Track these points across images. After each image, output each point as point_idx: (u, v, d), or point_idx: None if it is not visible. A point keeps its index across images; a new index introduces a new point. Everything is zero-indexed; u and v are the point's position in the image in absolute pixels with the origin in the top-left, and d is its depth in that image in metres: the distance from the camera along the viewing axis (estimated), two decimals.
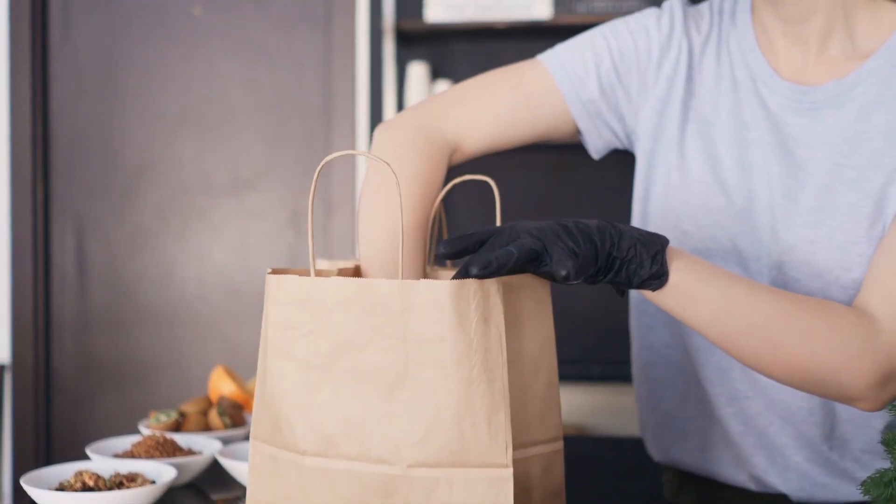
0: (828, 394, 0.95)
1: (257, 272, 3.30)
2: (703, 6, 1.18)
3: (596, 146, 1.22)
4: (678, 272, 0.88)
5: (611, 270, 0.85)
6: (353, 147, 3.21)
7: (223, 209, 3.32)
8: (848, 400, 0.95)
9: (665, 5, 1.18)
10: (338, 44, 3.23)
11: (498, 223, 0.90)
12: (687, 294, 0.89)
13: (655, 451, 1.25)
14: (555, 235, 0.82)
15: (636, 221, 1.21)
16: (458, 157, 1.15)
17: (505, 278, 0.81)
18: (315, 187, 0.82)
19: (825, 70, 1.08)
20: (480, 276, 0.77)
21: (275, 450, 0.85)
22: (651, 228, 1.17)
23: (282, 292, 0.83)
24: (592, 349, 3.12)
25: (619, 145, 1.22)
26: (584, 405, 2.99)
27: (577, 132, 1.20)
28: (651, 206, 1.17)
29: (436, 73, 3.25)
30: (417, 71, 3.15)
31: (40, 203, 3.33)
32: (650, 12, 1.17)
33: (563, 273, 0.79)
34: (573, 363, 3.06)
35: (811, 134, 1.06)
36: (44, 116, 3.35)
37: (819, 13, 1.06)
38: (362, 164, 3.25)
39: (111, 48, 3.35)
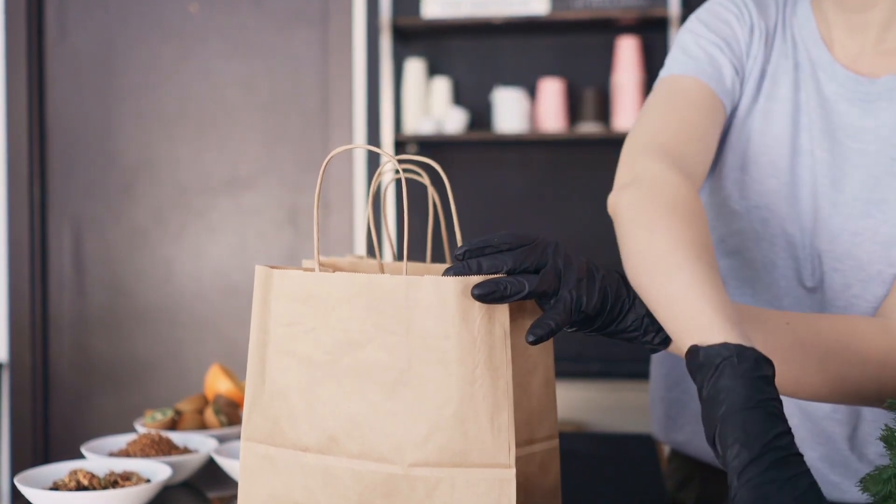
0: (851, 403, 0.95)
1: (254, 271, 3.30)
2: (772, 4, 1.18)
3: None
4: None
5: (606, 329, 0.83)
6: (350, 144, 3.21)
7: (221, 208, 3.32)
8: (870, 405, 0.96)
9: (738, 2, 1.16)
10: (335, 41, 3.23)
11: (452, 207, 0.88)
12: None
13: (663, 434, 1.24)
14: (575, 281, 0.79)
15: None
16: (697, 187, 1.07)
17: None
18: (321, 182, 0.82)
19: (882, 62, 1.08)
20: (479, 300, 0.75)
21: (272, 449, 0.84)
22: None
23: (285, 288, 0.83)
24: (591, 346, 3.11)
25: None
26: (583, 402, 2.99)
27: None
28: (707, 188, 1.16)
29: (433, 70, 3.24)
30: (415, 67, 3.14)
31: (37, 203, 3.33)
32: (726, 4, 1.14)
33: (530, 339, 0.77)
34: (572, 360, 3.06)
35: (863, 127, 1.06)
36: (40, 116, 3.35)
37: (881, 3, 1.06)
38: (359, 163, 3.25)
39: (107, 47, 3.34)
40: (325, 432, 0.81)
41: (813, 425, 1.10)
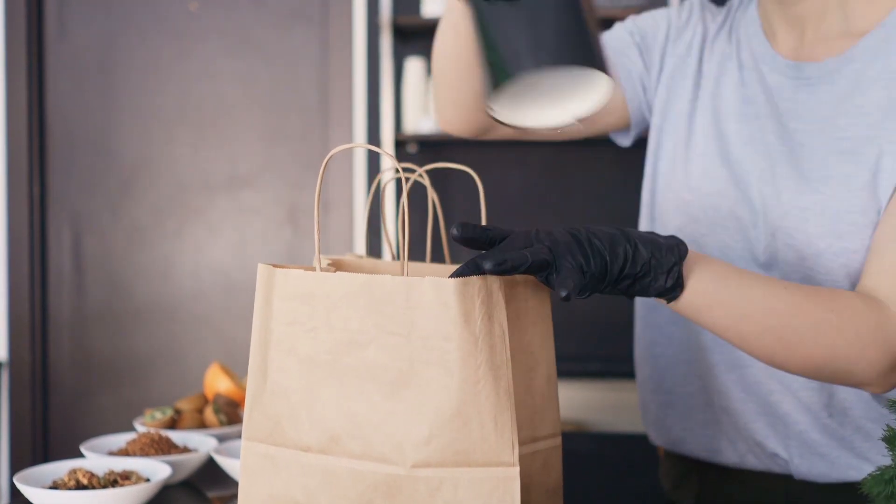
0: (839, 381, 0.98)
1: (254, 269, 3.29)
2: (724, 8, 1.25)
3: (637, 120, 1.27)
4: (694, 281, 0.88)
5: (621, 283, 0.85)
6: (350, 142, 3.21)
7: (220, 206, 3.31)
8: (858, 385, 0.98)
9: (686, 2, 1.26)
10: (335, 40, 3.22)
11: (483, 216, 0.89)
12: (703, 301, 0.89)
13: (657, 435, 1.25)
14: (566, 249, 0.81)
15: (646, 198, 1.24)
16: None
17: None
18: (321, 181, 0.82)
19: (822, 48, 1.12)
20: (492, 272, 0.77)
21: (273, 448, 0.83)
22: (657, 200, 1.21)
23: (287, 287, 0.82)
24: (592, 345, 3.11)
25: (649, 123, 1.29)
26: (583, 401, 2.99)
27: (625, 111, 1.25)
28: (658, 182, 1.21)
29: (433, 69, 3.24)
30: (414, 66, 3.14)
31: (37, 200, 3.32)
32: (673, 7, 1.26)
33: (563, 294, 0.78)
34: (572, 359, 3.06)
35: (805, 108, 1.10)
36: (40, 113, 3.34)
37: None
38: (360, 162, 3.25)
39: (107, 45, 3.34)
40: (326, 432, 0.81)
41: (794, 397, 1.11)
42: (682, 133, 1.19)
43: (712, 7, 1.24)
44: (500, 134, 1.23)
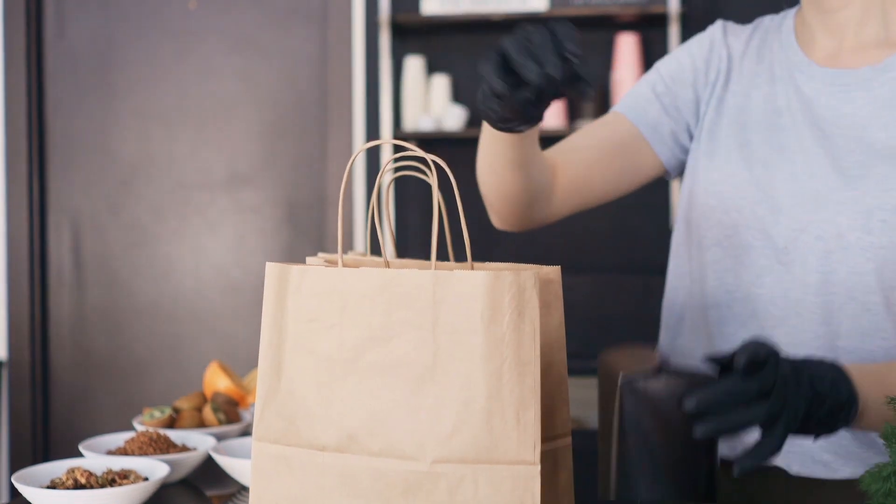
0: None
1: (253, 268, 3.29)
2: (749, 25, 1.28)
3: (674, 166, 1.30)
4: (864, 422, 0.93)
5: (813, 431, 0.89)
6: (349, 141, 3.20)
7: (219, 205, 3.31)
8: None
9: (708, 29, 1.28)
10: (333, 38, 3.22)
11: (459, 208, 0.87)
12: (869, 427, 0.94)
13: None
14: (791, 419, 0.84)
15: (681, 215, 1.27)
16: (556, 182, 1.24)
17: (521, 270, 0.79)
18: (347, 177, 0.81)
19: (859, 56, 1.15)
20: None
21: (287, 449, 0.82)
22: (692, 217, 1.23)
23: (305, 284, 0.81)
24: (592, 344, 3.11)
25: None
26: (583, 400, 2.99)
27: (660, 164, 1.28)
28: (691, 197, 1.24)
29: (432, 67, 3.24)
30: (413, 64, 3.14)
31: (36, 199, 3.32)
32: (692, 38, 1.29)
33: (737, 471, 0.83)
34: (572, 358, 3.05)
35: (841, 115, 1.13)
36: (39, 112, 3.34)
37: (857, 1, 1.14)
38: (359, 160, 3.24)
39: (106, 43, 3.34)
40: (344, 430, 0.80)
41: None
42: (705, 145, 1.22)
43: (736, 29, 1.26)
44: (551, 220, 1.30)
